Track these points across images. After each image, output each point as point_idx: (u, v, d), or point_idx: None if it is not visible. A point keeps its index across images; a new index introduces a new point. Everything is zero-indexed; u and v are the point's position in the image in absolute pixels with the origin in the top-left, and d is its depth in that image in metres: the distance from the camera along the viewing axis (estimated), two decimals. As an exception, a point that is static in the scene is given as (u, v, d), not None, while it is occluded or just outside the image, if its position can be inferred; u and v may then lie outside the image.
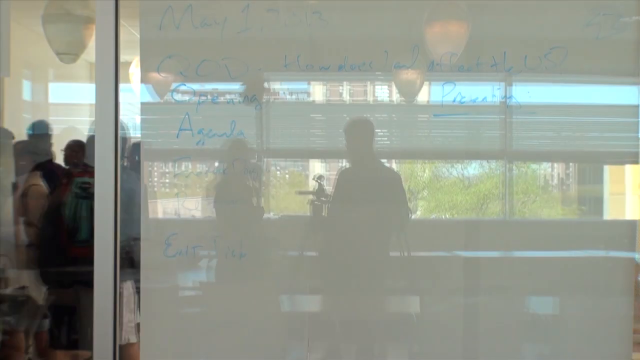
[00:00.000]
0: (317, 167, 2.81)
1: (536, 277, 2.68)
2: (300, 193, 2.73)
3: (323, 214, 2.70)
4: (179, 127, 2.56)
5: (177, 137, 2.56)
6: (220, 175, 2.65)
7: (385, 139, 2.80)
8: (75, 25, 3.83)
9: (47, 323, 4.07)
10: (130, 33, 2.63)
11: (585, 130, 2.73)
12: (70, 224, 3.78)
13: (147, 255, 2.54)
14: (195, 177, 2.65)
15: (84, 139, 4.07)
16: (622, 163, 2.90)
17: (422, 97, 2.70)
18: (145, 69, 2.58)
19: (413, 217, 2.78)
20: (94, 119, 2.51)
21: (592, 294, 2.65)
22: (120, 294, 2.65)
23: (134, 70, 3.26)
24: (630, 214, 2.97)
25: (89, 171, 3.13)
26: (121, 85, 2.50)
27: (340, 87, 2.81)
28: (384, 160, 2.82)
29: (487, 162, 2.80)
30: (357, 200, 2.73)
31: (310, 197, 2.69)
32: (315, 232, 2.70)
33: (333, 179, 2.73)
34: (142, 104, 2.61)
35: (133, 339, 3.59)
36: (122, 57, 2.52)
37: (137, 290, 2.64)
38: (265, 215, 2.70)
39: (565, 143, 2.75)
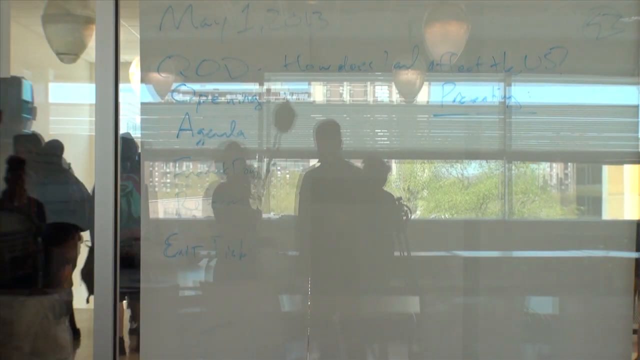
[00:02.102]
0: (317, 167, 2.81)
1: (536, 277, 2.69)
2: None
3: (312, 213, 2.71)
4: (179, 127, 2.56)
5: (177, 137, 2.56)
6: (221, 176, 2.66)
7: (385, 139, 2.80)
8: (75, 25, 3.82)
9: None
10: (130, 33, 2.63)
11: (585, 130, 2.73)
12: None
13: (147, 255, 2.54)
14: (195, 177, 2.65)
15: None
16: (622, 163, 2.90)
17: (422, 97, 2.70)
18: (145, 69, 2.58)
19: (413, 217, 2.78)
20: (94, 119, 2.50)
21: (592, 294, 2.65)
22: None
23: (134, 70, 3.25)
24: (629, 214, 2.97)
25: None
26: (121, 85, 2.49)
27: (341, 87, 2.81)
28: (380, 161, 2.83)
29: (487, 162, 2.80)
30: (344, 200, 2.73)
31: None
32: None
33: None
34: (142, 104, 2.61)
35: None
36: (122, 57, 2.51)
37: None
38: (265, 215, 2.71)
39: (564, 143, 2.75)
